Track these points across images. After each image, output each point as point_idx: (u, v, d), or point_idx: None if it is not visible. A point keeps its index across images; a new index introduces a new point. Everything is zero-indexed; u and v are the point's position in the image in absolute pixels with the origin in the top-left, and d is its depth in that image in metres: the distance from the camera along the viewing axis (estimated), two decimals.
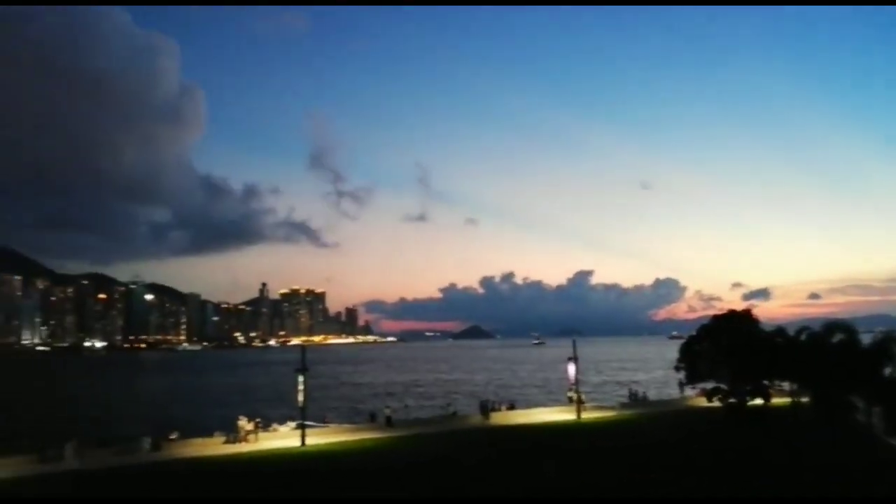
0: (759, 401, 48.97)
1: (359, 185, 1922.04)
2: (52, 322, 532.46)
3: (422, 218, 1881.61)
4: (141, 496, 28.51)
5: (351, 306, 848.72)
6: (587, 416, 53.46)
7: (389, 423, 50.77)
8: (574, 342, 55.79)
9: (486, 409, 54.48)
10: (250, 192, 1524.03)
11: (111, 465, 36.31)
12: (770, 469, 30.75)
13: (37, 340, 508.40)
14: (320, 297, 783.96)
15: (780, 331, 51.29)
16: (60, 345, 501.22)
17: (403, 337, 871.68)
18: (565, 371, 58.72)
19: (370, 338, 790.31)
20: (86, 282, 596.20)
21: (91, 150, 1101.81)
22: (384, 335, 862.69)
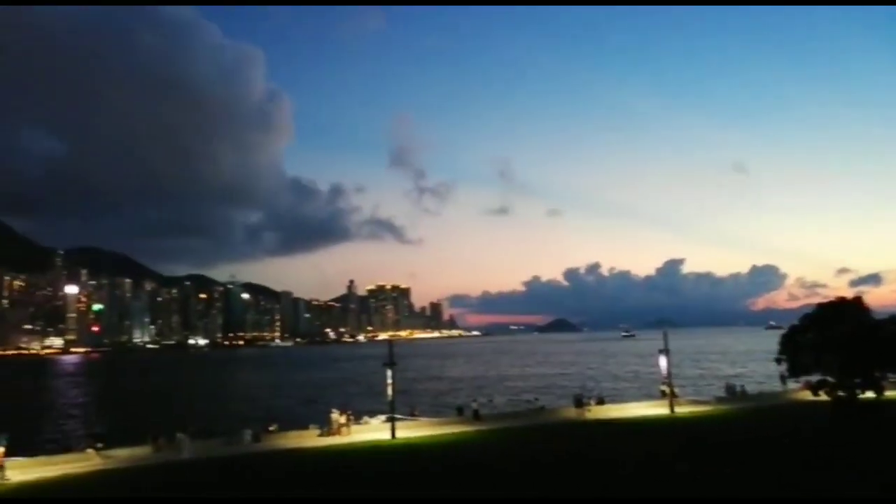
0: (870, 394, 45.73)
1: (440, 180, 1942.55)
2: (159, 321, 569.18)
3: (503, 211, 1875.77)
4: (244, 484, 29.90)
5: (435, 301, 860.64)
6: (681, 410, 51.62)
7: (477, 416, 50.90)
8: (665, 334, 53.96)
9: (580, 402, 53.30)
10: (336, 191, 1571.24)
11: (218, 455, 38.39)
12: (886, 467, 28.58)
13: (146, 339, 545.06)
14: (405, 293, 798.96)
15: (893, 319, 47.69)
16: (167, 342, 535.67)
17: (488, 331, 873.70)
18: (657, 364, 56.93)
19: (455, 332, 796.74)
20: (188, 283, 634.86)
21: (191, 159, 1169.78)
22: (468, 329, 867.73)
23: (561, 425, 47.18)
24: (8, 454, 36.25)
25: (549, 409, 57.29)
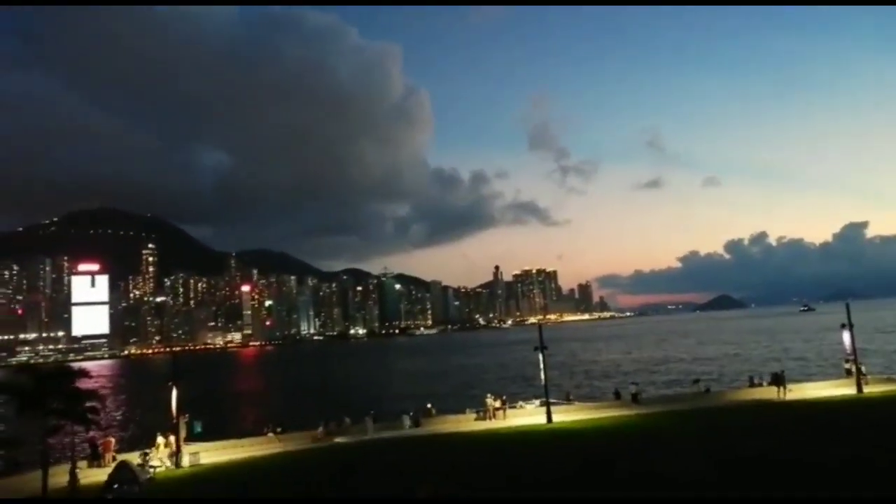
0: None
1: (583, 158, 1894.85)
2: (322, 314, 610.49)
3: (654, 184, 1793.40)
4: (411, 463, 31.02)
5: (584, 283, 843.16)
6: (871, 389, 46.24)
7: (636, 399, 49.06)
8: (847, 306, 48.54)
9: (779, 380, 46.86)
10: (478, 179, 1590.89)
11: (383, 438, 40.26)
12: None
13: (312, 330, 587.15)
14: (552, 276, 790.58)
15: None
16: (330, 333, 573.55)
17: (642, 311, 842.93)
18: (840, 340, 51.37)
19: (606, 314, 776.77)
20: (345, 277, 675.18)
21: (340, 160, 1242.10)
22: (621, 310, 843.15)
23: (725, 409, 44.00)
24: (202, 439, 40.57)
25: (717, 392, 53.83)
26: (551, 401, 44.66)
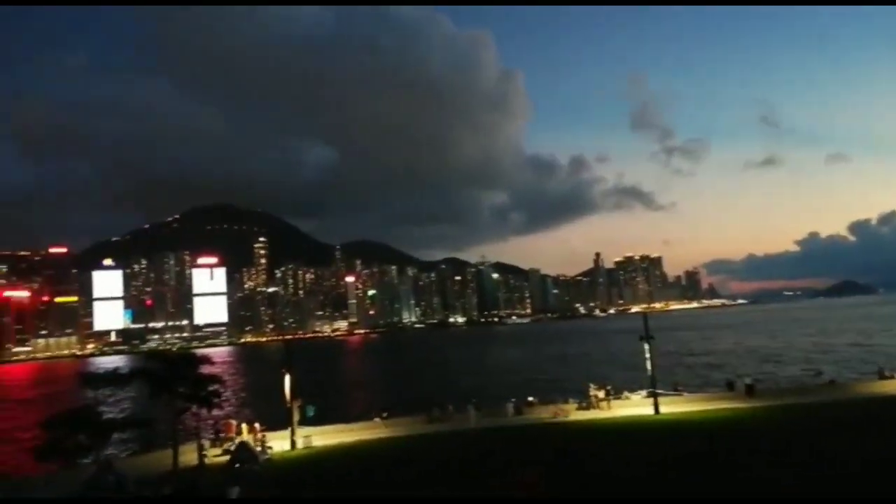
0: None
1: (690, 137, 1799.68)
2: (422, 303, 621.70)
3: (769, 162, 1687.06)
4: (515, 452, 31.06)
5: (691, 269, 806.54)
6: None
7: (751, 392, 46.48)
8: None
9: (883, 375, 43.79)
10: (577, 163, 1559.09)
11: (492, 426, 40.49)
12: None
13: (413, 319, 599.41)
14: (656, 263, 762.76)
15: None
16: (431, 322, 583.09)
17: (756, 298, 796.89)
18: None
19: (716, 301, 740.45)
20: (444, 266, 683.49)
21: (437, 149, 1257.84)
22: (733, 297, 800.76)
23: (864, 403, 40.70)
24: (314, 423, 42.48)
25: (842, 385, 50.08)
26: (658, 391, 43.23)
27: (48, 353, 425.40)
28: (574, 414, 43.55)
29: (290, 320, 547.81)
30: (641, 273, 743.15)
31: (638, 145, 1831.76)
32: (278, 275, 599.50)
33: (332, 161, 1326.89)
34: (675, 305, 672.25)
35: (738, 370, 70.31)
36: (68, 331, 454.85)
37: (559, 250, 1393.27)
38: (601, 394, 45.42)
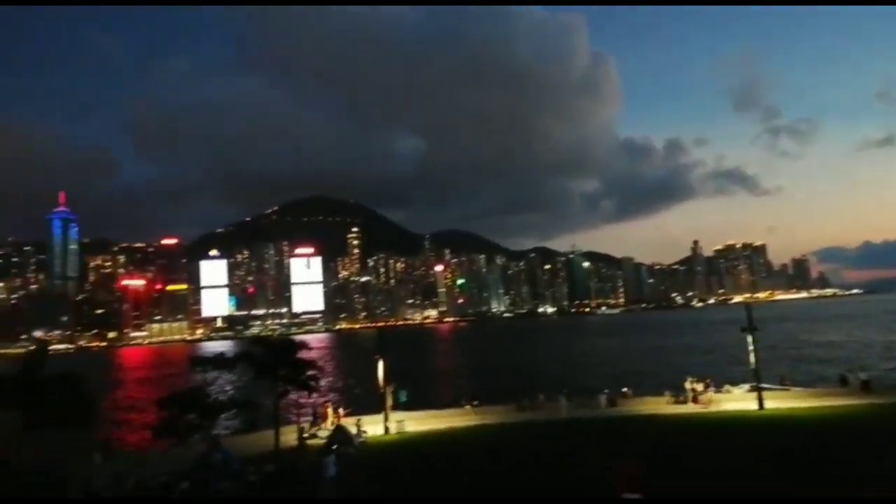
0: None
1: (797, 117, 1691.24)
2: (511, 292, 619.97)
3: (888, 142, 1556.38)
4: (609, 444, 30.44)
5: (799, 256, 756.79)
6: None
7: (867, 387, 43.19)
8: None
9: None
10: (673, 147, 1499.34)
11: (584, 417, 39.90)
12: None
13: (502, 308, 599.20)
14: (760, 250, 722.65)
15: None
16: (520, 311, 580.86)
17: (873, 287, 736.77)
18: None
19: (828, 291, 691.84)
20: (533, 255, 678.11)
21: (526, 137, 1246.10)
22: (846, 287, 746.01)
23: None
24: (406, 408, 43.37)
25: None
26: (763, 386, 40.98)
27: (161, 338, 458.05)
28: (670, 408, 42.10)
29: (382, 308, 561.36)
30: (743, 261, 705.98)
31: (740, 127, 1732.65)
32: (370, 264, 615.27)
33: (421, 152, 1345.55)
34: (780, 295, 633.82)
35: (852, 364, 65.46)
36: (179, 317, 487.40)
37: (654, 238, 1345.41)
38: (700, 387, 43.62)
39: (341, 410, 42.01)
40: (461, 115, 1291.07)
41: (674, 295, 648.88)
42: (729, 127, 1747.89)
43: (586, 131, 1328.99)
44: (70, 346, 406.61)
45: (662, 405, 43.19)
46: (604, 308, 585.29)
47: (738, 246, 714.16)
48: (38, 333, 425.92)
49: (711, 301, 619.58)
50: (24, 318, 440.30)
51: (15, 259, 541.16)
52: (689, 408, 41.42)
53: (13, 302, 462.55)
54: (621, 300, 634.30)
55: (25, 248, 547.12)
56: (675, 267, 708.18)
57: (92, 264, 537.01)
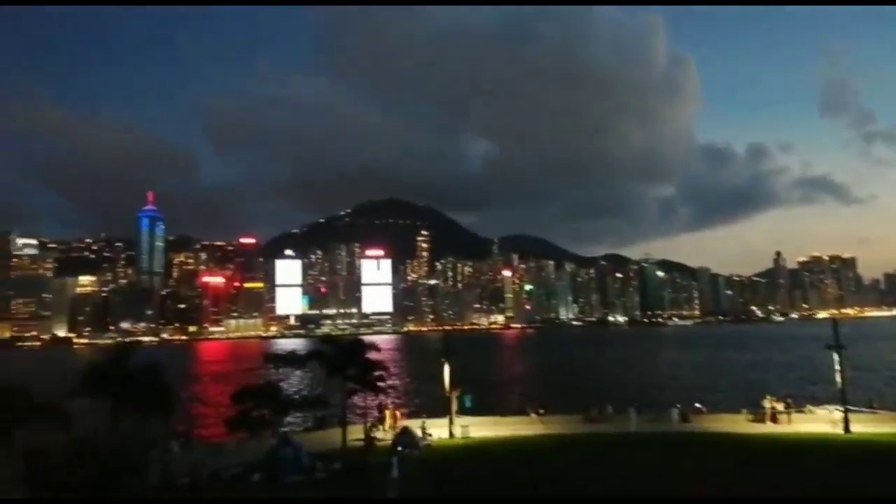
0: None
1: (893, 122, 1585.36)
2: (580, 300, 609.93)
3: None
4: (681, 461, 29.44)
5: (893, 271, 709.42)
6: None
7: None
8: None
9: None
10: (756, 152, 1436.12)
11: (653, 431, 38.80)
12: None
13: (570, 316, 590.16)
14: (849, 263, 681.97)
15: None
16: (589, 319, 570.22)
17: None
18: None
19: None
20: (604, 262, 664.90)
21: (601, 141, 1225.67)
22: None
23: None
24: (471, 413, 43.30)
25: None
26: (849, 408, 38.64)
27: (238, 333, 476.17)
28: (747, 426, 40.31)
29: (449, 312, 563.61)
30: (831, 275, 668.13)
31: (829, 131, 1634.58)
32: (439, 267, 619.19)
33: (492, 155, 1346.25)
34: (871, 312, 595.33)
35: None
36: (255, 314, 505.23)
37: (733, 248, 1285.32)
38: (780, 406, 41.57)
39: (398, 413, 42.41)
40: (534, 118, 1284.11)
41: (753, 308, 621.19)
42: (817, 131, 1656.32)
43: (664, 135, 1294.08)
44: (154, 338, 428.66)
45: (739, 423, 41.43)
46: (675, 319, 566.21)
47: (825, 258, 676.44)
48: (125, 325, 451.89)
49: (794, 316, 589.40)
50: (113, 310, 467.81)
51: (107, 254, 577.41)
52: (768, 427, 39.55)
53: (103, 294, 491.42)
54: (696, 312, 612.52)
55: (116, 244, 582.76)
56: (756, 279, 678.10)
57: (175, 261, 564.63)
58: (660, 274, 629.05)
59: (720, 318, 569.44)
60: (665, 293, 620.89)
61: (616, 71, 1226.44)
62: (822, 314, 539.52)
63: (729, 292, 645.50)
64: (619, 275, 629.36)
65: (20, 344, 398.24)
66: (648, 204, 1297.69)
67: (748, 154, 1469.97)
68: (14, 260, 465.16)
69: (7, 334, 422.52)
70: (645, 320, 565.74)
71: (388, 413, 42.00)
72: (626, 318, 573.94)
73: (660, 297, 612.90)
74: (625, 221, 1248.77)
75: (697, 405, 46.22)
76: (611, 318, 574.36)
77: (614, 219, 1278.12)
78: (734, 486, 24.18)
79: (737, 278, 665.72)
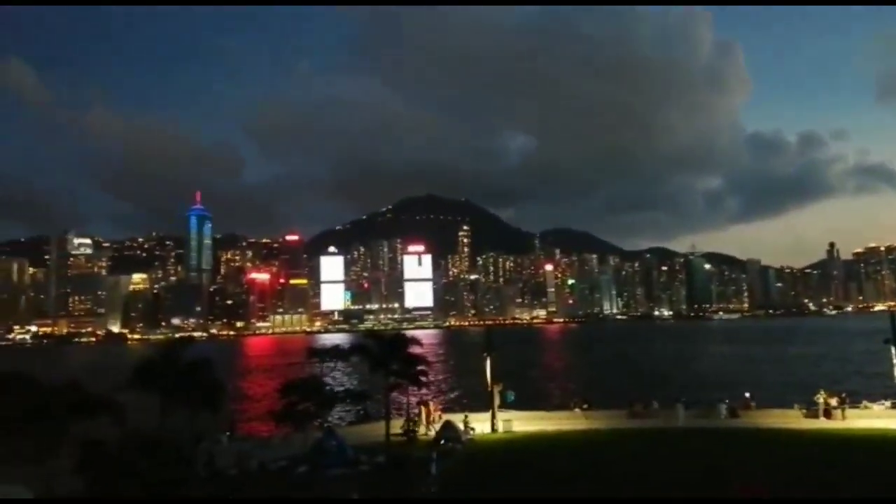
0: None
1: None
2: (625, 294, 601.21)
3: None
4: (730, 457, 28.75)
5: None
6: None
7: None
8: None
9: None
10: (808, 141, 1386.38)
11: (702, 427, 37.99)
12: None
13: (615, 310, 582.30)
14: None
15: None
16: (634, 314, 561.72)
17: None
18: None
19: None
20: (648, 256, 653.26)
21: (645, 132, 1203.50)
22: None
23: None
24: (513, 407, 43.16)
25: None
26: None
27: (283, 329, 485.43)
28: (799, 422, 39.09)
29: (491, 307, 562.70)
30: (888, 266, 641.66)
31: (887, 117, 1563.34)
32: (480, 262, 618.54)
33: (532, 149, 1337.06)
34: None
35: None
36: (300, 309, 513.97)
37: (784, 239, 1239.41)
38: (833, 401, 40.18)
39: (431, 406, 42.45)
40: (575, 110, 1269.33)
41: (805, 301, 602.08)
42: (873, 118, 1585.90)
43: (710, 125, 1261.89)
44: (203, 333, 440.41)
45: (791, 419, 40.21)
46: (720, 313, 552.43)
47: (882, 249, 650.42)
48: (175, 321, 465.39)
49: (849, 308, 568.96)
50: (164, 306, 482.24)
51: (157, 252, 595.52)
52: (821, 423, 38.27)
53: (155, 291, 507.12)
54: (745, 305, 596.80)
55: (167, 243, 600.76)
56: (808, 270, 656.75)
57: (223, 258, 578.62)
58: (707, 267, 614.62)
59: (770, 311, 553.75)
60: (713, 286, 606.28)
61: (660, 59, 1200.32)
62: (879, 307, 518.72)
63: (779, 285, 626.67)
64: (664, 268, 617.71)
65: (77, 340, 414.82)
66: (694, 196, 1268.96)
67: (799, 142, 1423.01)
68: (71, 259, 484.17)
69: (65, 330, 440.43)
70: (691, 314, 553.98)
71: (422, 409, 42.08)
72: (671, 312, 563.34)
73: (707, 290, 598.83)
74: (669, 214, 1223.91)
75: (747, 394, 45.08)
76: (656, 312, 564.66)
77: (658, 212, 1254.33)
78: (785, 483, 23.47)
79: (788, 270, 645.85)
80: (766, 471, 25.97)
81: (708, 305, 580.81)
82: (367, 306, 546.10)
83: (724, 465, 27.19)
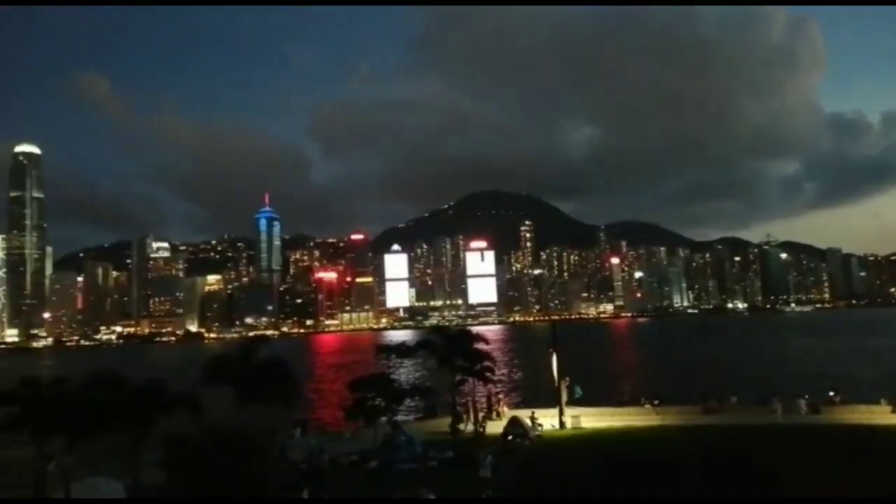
0: None
1: None
2: (696, 286, 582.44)
3: None
4: (809, 456, 27.53)
5: None
6: None
7: None
8: None
9: None
10: (892, 121, 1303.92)
11: (779, 424, 36.64)
12: None
13: (685, 303, 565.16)
14: None
15: None
16: (706, 307, 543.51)
17: None
18: None
19: None
20: (720, 246, 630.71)
21: (714, 117, 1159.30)
22: None
23: None
24: (581, 403, 42.63)
25: None
26: None
27: (351, 326, 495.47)
28: (887, 418, 36.97)
29: (556, 302, 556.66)
30: None
31: None
32: (543, 257, 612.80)
33: (596, 139, 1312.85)
34: None
35: None
36: (366, 307, 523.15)
37: (867, 226, 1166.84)
38: None
39: (491, 401, 42.25)
40: (640, 97, 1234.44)
41: (892, 290, 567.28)
42: None
43: (785, 107, 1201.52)
44: (275, 332, 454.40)
45: (877, 415, 38.10)
46: (792, 304, 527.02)
47: None
48: (248, 320, 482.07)
49: None
50: (237, 306, 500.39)
51: (230, 254, 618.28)
52: None
53: (228, 292, 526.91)
54: (826, 295, 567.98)
55: (238, 245, 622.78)
56: (894, 258, 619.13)
57: (292, 258, 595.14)
58: (783, 256, 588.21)
59: (853, 301, 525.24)
60: (790, 277, 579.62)
61: (730, 39, 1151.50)
62: None
63: (863, 274, 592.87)
64: (737, 259, 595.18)
65: (158, 339, 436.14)
66: (769, 182, 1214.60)
67: (883, 123, 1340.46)
68: (150, 262, 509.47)
69: (146, 330, 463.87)
70: (767, 306, 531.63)
71: (481, 403, 41.78)
72: (745, 305, 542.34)
73: (784, 280, 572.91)
74: (741, 202, 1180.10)
75: (831, 392, 42.97)
76: (729, 305, 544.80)
77: (730, 200, 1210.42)
78: (872, 483, 22.27)
79: (872, 258, 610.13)
80: (851, 470, 24.70)
81: (785, 296, 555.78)
82: (432, 303, 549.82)
83: (805, 464, 25.99)
